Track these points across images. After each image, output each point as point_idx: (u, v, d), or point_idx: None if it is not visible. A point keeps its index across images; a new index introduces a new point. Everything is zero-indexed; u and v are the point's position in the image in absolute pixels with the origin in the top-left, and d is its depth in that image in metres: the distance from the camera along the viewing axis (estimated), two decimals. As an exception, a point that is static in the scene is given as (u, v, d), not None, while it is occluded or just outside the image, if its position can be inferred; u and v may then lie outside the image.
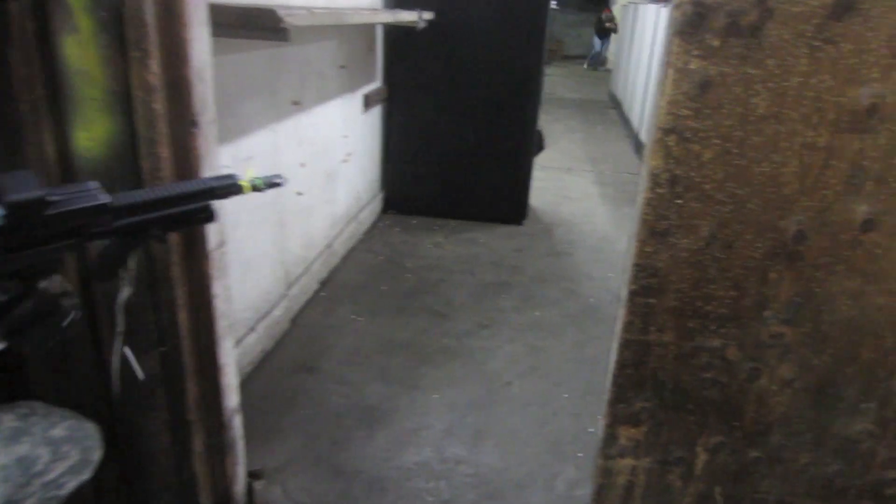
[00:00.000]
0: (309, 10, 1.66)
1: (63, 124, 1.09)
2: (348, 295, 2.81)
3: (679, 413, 1.34)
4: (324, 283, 2.89)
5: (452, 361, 2.32)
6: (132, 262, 1.03)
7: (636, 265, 1.25)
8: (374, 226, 3.69)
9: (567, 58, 16.92)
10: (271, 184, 1.08)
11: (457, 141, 3.72)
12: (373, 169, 3.69)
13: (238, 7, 1.48)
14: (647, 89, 6.06)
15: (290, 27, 1.51)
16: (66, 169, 1.12)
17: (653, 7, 6.24)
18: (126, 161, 1.13)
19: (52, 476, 1.08)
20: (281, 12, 1.47)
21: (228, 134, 1.93)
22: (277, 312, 2.39)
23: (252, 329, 2.21)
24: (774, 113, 1.10)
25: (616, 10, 13.26)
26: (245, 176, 1.05)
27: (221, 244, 1.32)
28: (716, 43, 1.10)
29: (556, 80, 11.79)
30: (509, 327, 2.58)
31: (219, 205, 1.14)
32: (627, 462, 1.41)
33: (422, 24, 3.14)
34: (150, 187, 0.90)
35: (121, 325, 1.22)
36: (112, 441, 1.36)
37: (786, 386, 1.27)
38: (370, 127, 3.53)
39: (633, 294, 1.27)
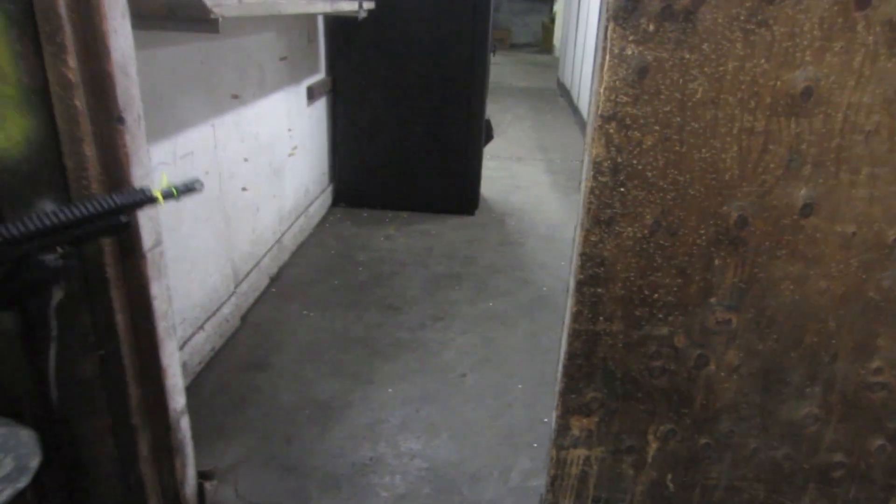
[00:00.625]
0: (242, -1, 1.60)
1: (-26, 123, 1.02)
2: (299, 290, 2.76)
3: (629, 402, 1.34)
4: (274, 279, 2.83)
5: (406, 355, 2.30)
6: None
7: (582, 255, 1.25)
8: (324, 219, 3.63)
9: (515, 46, 16.96)
10: (189, 189, 1.03)
11: (404, 132, 3.68)
12: (321, 162, 3.62)
13: (166, -3, 1.42)
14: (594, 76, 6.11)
15: (220, 18, 1.46)
16: (-19, 171, 1.05)
17: (597, -6, 6.28)
18: (48, 161, 1.06)
19: None
20: (208, 2, 1.41)
21: (165, 130, 1.85)
22: (226, 310, 2.33)
23: (201, 327, 2.14)
24: (712, 98, 1.11)
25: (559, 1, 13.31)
26: (159, 184, 1.00)
27: (158, 243, 1.27)
28: (651, 28, 1.10)
29: (504, 69, 11.81)
30: (462, 319, 2.57)
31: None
32: (580, 452, 1.41)
33: (363, 14, 3.09)
34: (51, 210, 0.85)
35: (54, 328, 1.16)
36: (54, 447, 1.30)
37: (733, 372, 1.29)
38: (316, 119, 3.47)
39: (580, 284, 1.27)
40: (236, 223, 2.43)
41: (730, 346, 1.27)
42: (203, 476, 1.65)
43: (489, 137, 3.96)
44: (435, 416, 1.99)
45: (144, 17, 1.43)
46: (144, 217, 1.21)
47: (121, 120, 1.12)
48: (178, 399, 1.44)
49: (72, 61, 1.03)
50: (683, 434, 1.36)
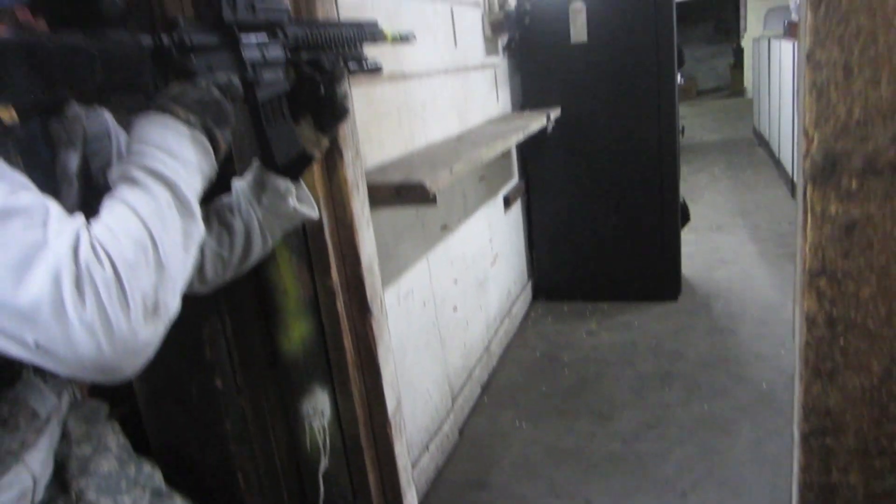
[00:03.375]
0: (451, 167, 1.83)
1: (269, 331, 1.31)
2: (510, 398, 2.89)
3: (878, 556, 1.26)
4: (485, 388, 3.00)
5: (621, 469, 2.31)
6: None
7: (805, 407, 1.23)
8: (526, 317, 3.78)
9: (701, 93, 16.37)
10: (404, 38, 1.26)
11: (599, 222, 3.75)
12: (519, 262, 3.81)
13: (392, 185, 1.68)
14: (795, 125, 5.74)
15: (437, 193, 1.68)
16: (272, 366, 1.33)
17: (788, 45, 5.97)
18: (317, 355, 1.32)
19: None
20: (427, 184, 1.64)
21: (390, 276, 2.13)
22: (446, 427, 2.52)
23: (426, 449, 2.35)
24: (935, 251, 1.07)
25: (745, 43, 12.68)
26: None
27: (398, 407, 1.47)
28: (854, 185, 1.10)
29: (693, 122, 11.40)
30: (677, 426, 2.52)
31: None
32: None
33: (551, 127, 3.27)
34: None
35: (321, 493, 1.39)
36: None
37: None
38: (513, 223, 3.68)
39: (806, 435, 1.24)
40: (450, 342, 2.65)
41: None
42: None
43: (686, 219, 3.89)
44: (659, 539, 1.97)
45: (375, 199, 1.70)
46: (387, 386, 1.42)
47: (369, 311, 1.35)
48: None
49: (333, 273, 1.28)
50: None
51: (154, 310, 0.72)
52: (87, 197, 0.96)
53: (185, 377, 1.30)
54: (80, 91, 0.79)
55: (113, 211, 0.75)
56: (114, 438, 1.11)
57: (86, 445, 1.06)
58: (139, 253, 0.72)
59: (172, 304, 0.76)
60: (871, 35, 1.02)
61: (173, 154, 0.81)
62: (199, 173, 0.84)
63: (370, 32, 1.17)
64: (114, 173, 0.80)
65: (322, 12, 1.32)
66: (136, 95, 0.85)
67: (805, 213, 1.15)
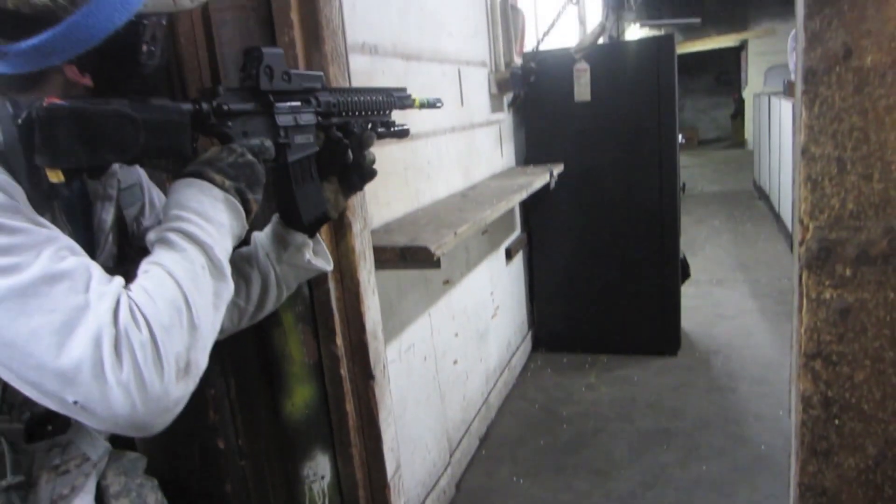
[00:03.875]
0: (455, 231, 1.87)
1: (272, 395, 1.33)
2: (507, 452, 2.88)
3: None
4: (483, 440, 2.99)
5: (619, 531, 2.29)
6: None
7: (801, 485, 1.24)
8: (525, 368, 3.78)
9: (703, 143, 16.58)
10: (431, 105, 1.31)
11: (600, 275, 3.78)
12: (520, 313, 3.83)
13: (397, 247, 1.72)
14: (797, 180, 5.83)
15: (441, 256, 1.72)
16: (272, 429, 1.35)
17: (787, 104, 6.09)
18: (319, 418, 1.33)
19: None
20: (432, 248, 1.68)
21: (392, 332, 2.15)
22: (443, 482, 2.51)
23: (422, 504, 2.34)
24: (926, 340, 1.10)
25: (747, 96, 12.91)
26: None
27: (398, 469, 1.48)
28: (848, 273, 1.13)
29: (693, 172, 11.52)
30: (675, 487, 2.51)
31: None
32: None
33: (554, 182, 3.33)
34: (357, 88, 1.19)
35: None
36: None
37: None
38: (514, 275, 3.71)
39: (802, 514, 1.25)
40: (449, 396, 2.65)
41: None
42: None
43: (686, 276, 3.92)
44: None
45: (381, 261, 1.74)
46: (388, 450, 1.43)
47: (371, 376, 1.37)
48: None
49: (339, 340, 1.31)
50: None
51: (186, 369, 0.76)
52: (123, 244, 1.00)
53: (188, 437, 1.32)
54: (124, 154, 0.84)
55: (150, 274, 0.79)
56: (152, 496, 1.11)
57: (124, 499, 1.07)
58: (174, 315, 0.76)
59: (203, 362, 0.80)
60: (864, 133, 1.07)
61: (208, 218, 0.85)
62: (230, 235, 0.88)
63: (399, 99, 1.24)
64: (151, 236, 0.85)
65: (334, 79, 1.38)
66: (174, 158, 0.91)
67: (801, 297, 1.18)
